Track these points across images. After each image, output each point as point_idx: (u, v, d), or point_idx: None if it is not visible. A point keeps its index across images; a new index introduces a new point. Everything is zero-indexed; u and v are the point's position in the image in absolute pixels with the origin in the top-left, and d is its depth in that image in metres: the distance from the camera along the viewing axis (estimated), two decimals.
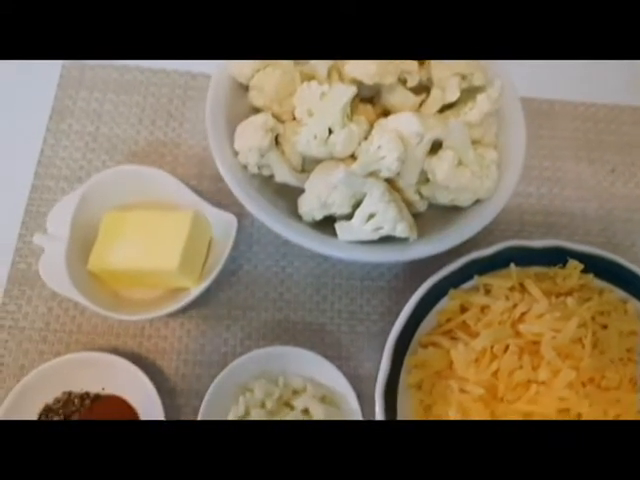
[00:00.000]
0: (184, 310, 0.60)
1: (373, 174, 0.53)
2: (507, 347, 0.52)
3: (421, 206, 0.57)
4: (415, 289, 0.57)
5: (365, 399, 0.54)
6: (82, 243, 0.56)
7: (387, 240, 0.54)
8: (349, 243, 0.54)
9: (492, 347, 0.52)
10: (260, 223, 0.64)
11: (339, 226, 0.54)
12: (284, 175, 0.57)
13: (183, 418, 0.56)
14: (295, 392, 0.54)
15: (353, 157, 0.54)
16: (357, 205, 0.53)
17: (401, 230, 0.51)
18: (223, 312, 0.61)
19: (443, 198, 0.55)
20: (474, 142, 0.56)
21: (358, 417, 0.52)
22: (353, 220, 0.53)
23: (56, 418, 0.52)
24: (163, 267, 0.54)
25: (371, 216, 0.52)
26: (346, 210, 0.53)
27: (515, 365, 0.51)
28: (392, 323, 0.57)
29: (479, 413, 0.50)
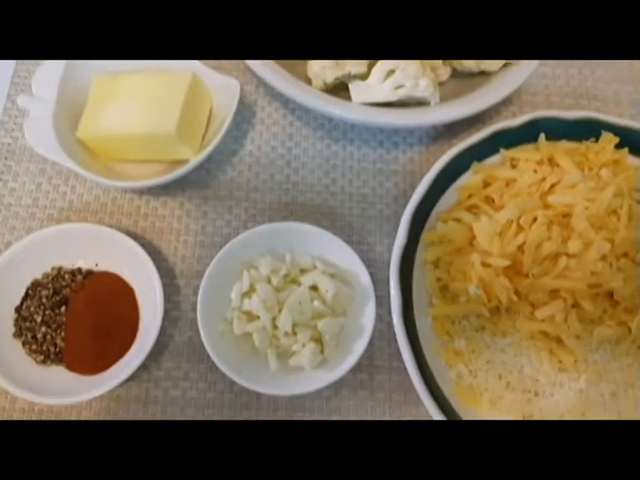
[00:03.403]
0: (183, 189, 0.55)
1: None
2: (535, 219, 0.48)
3: (444, 73, 0.52)
4: None
5: (377, 283, 0.50)
6: (71, 109, 0.52)
7: (405, 106, 0.50)
8: (365, 105, 0.49)
9: (518, 219, 0.48)
10: (265, 101, 0.60)
11: (354, 86, 0.49)
12: None
13: (183, 299, 0.52)
14: (303, 270, 0.50)
15: None
16: (374, 65, 0.48)
17: (424, 87, 0.46)
18: (225, 193, 0.56)
19: (469, 61, 0.50)
20: None
21: (370, 294, 0.48)
22: (370, 78, 0.48)
23: (45, 292, 0.49)
24: (160, 131, 0.49)
25: (391, 72, 0.47)
26: (362, 69, 0.49)
27: (543, 236, 0.47)
28: (406, 206, 0.53)
29: (502, 289, 0.47)
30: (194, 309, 0.49)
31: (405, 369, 0.46)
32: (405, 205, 0.54)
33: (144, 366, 0.48)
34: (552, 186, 0.49)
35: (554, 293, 0.47)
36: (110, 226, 0.53)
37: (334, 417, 0.49)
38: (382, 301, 0.51)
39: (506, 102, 0.59)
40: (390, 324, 0.50)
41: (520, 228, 0.48)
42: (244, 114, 0.59)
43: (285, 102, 0.60)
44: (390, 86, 0.47)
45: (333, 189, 0.57)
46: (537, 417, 0.46)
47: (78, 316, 0.48)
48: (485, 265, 0.47)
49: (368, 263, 0.51)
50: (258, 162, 0.57)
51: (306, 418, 0.49)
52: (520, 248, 0.47)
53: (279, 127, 0.59)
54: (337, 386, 0.49)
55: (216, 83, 0.53)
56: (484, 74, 0.52)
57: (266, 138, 0.59)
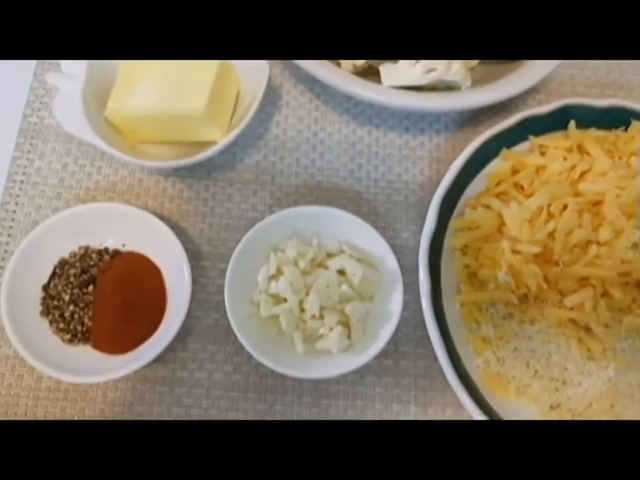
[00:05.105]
0: (208, 172, 0.55)
1: None
2: (565, 207, 0.47)
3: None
4: None
5: (402, 270, 0.49)
6: (99, 87, 0.52)
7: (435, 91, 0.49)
8: (395, 88, 0.48)
9: (549, 206, 0.47)
10: (290, 84, 0.60)
11: (384, 69, 0.48)
12: None
13: (208, 281, 0.52)
14: (330, 255, 0.50)
15: None
16: None
17: (456, 71, 0.46)
18: (250, 177, 0.56)
19: None
20: None
21: (398, 279, 0.48)
22: (401, 61, 0.47)
23: (72, 271, 0.49)
24: (189, 111, 0.49)
25: None
26: None
27: (574, 224, 0.46)
28: (432, 194, 0.52)
29: (531, 276, 0.46)
30: (220, 292, 0.49)
31: (430, 356, 0.47)
32: (431, 192, 0.54)
33: (170, 347, 0.48)
34: (582, 174, 0.49)
35: (583, 281, 0.47)
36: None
37: (359, 402, 0.49)
38: (408, 288, 0.50)
39: (533, 91, 0.59)
40: (416, 311, 0.50)
41: (550, 215, 0.47)
42: (270, 97, 0.59)
43: (311, 86, 0.59)
44: (421, 69, 0.47)
45: (359, 174, 0.57)
46: (565, 406, 0.46)
47: (106, 296, 0.48)
48: (515, 252, 0.47)
49: (394, 249, 0.51)
50: (284, 146, 0.57)
51: (331, 403, 0.49)
52: (550, 235, 0.47)
53: (305, 111, 0.59)
54: (362, 372, 0.49)
55: (244, 65, 0.53)
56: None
57: (292, 122, 0.58)
